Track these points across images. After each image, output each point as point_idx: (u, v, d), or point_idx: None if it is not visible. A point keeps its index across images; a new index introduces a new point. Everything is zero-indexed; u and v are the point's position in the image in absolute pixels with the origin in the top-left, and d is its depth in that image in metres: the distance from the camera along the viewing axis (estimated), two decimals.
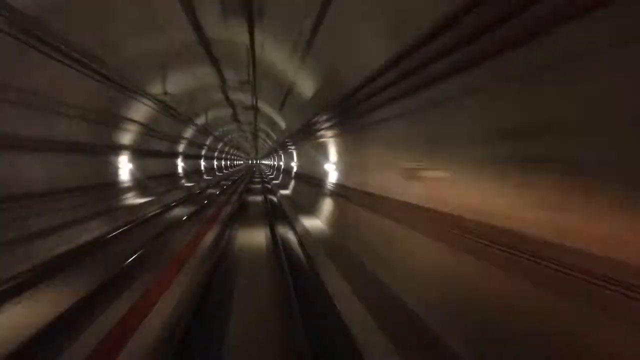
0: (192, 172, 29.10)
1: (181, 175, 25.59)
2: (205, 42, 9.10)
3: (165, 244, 8.69)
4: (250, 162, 75.35)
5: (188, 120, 19.17)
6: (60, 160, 9.69)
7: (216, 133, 31.24)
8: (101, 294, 5.50)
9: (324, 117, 9.78)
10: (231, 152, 56.77)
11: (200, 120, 21.77)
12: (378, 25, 5.29)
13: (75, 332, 4.36)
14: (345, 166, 10.20)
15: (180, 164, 25.52)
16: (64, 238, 8.20)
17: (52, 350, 4.00)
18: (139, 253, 7.62)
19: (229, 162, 60.77)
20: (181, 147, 24.67)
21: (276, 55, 9.53)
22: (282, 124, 19.61)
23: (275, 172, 38.37)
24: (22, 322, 4.66)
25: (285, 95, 12.59)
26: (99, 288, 5.63)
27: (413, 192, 5.63)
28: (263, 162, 64.42)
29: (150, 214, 12.79)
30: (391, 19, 4.96)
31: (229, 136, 38.41)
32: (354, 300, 5.09)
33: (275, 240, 8.83)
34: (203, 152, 34.28)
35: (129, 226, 10.60)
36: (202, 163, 35.60)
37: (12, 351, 3.80)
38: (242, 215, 13.51)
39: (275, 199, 18.99)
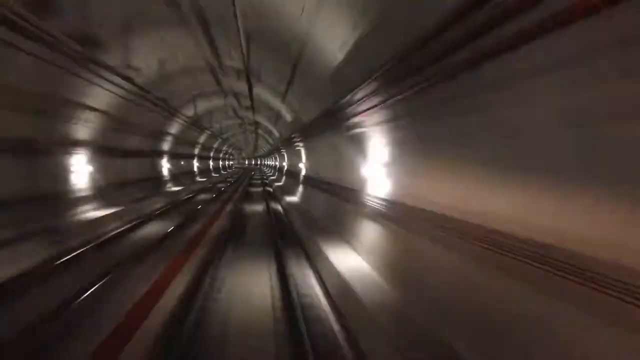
0: (204, 170, 35.66)
1: (196, 172, 32.13)
2: (224, 91, 15.55)
3: (205, 208, 15.16)
4: (251, 162, 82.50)
5: (204, 129, 25.66)
6: (130, 162, 16.15)
7: (223, 136, 37.71)
8: (186, 223, 12.00)
9: (297, 134, 16.20)
10: (234, 153, 63.39)
11: (214, 128, 28.25)
12: (313, 97, 11.65)
13: (187, 229, 10.83)
14: (308, 164, 16.65)
15: (195, 164, 32.06)
16: (151, 203, 14.71)
17: (177, 236, 10.39)
18: (194, 210, 14.10)
19: (232, 162, 67.40)
20: (196, 150, 31.19)
21: (268, 96, 15.99)
22: (277, 134, 26.08)
23: (271, 170, 44.94)
24: (160, 228, 11.10)
25: (276, 117, 19.06)
26: (184, 221, 12.13)
27: (334, 176, 12.03)
28: (263, 162, 71.05)
29: (189, 195, 19.28)
30: (319, 92, 11.30)
31: (234, 139, 44.91)
32: (300, 221, 11.54)
33: (268, 207, 15.28)
34: (211, 154, 40.79)
35: (181, 200, 17.12)
36: (211, 163, 42.15)
37: (160, 237, 10.17)
38: (247, 197, 20.03)
39: (270, 189, 25.48)
